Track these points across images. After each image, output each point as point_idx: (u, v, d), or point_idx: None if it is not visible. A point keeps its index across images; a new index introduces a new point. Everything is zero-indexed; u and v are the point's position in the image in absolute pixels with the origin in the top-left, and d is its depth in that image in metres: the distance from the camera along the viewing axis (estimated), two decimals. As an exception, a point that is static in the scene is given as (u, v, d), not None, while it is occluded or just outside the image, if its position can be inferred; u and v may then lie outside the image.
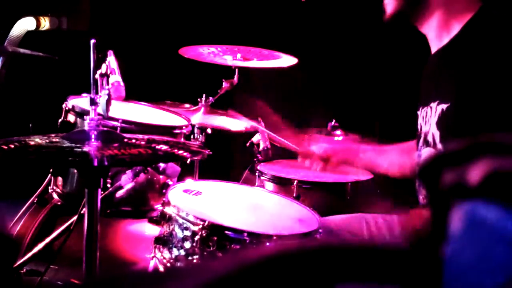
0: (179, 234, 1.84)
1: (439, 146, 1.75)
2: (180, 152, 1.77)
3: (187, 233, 1.82)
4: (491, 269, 0.59)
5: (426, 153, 1.82)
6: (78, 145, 1.61)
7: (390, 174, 2.19)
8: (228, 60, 2.85)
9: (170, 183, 2.24)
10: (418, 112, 1.89)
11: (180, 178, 2.29)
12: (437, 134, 1.75)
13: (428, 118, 1.80)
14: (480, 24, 1.69)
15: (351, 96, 3.78)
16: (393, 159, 2.17)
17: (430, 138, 1.79)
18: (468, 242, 0.61)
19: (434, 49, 1.84)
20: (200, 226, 1.78)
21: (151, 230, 2.22)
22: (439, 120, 1.73)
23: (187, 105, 2.89)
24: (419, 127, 1.88)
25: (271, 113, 2.57)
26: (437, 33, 1.78)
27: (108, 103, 1.74)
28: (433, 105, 1.76)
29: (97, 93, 1.75)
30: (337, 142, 2.85)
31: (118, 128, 2.12)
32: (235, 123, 2.76)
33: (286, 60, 2.91)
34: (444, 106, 1.71)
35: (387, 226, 2.08)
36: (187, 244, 1.82)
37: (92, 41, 1.68)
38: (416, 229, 1.77)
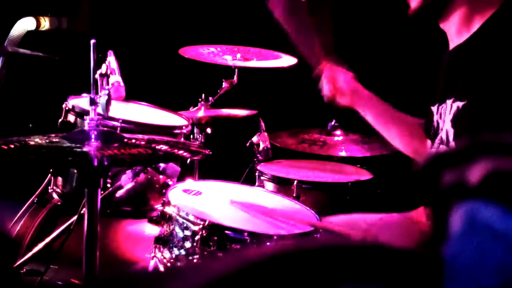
0: (180, 234, 1.84)
1: (452, 144, 1.73)
2: (180, 152, 1.77)
3: (187, 232, 1.82)
4: (491, 269, 0.59)
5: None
6: (78, 145, 1.61)
7: (393, 144, 2.10)
8: (228, 60, 2.85)
9: (170, 183, 2.24)
10: (433, 108, 1.86)
11: (180, 178, 2.29)
12: (451, 132, 1.73)
13: (444, 115, 1.77)
14: (500, 21, 1.67)
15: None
16: (403, 132, 2.09)
17: (444, 136, 1.77)
18: (468, 242, 0.61)
19: (452, 45, 1.81)
20: (201, 226, 1.78)
21: (151, 230, 2.22)
22: (454, 118, 1.71)
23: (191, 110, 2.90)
24: (435, 124, 1.85)
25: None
26: (458, 29, 1.76)
27: (108, 103, 1.74)
28: (449, 102, 1.74)
29: (97, 93, 1.75)
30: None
31: (118, 128, 2.12)
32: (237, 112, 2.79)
33: (286, 60, 2.91)
34: (460, 103, 1.68)
35: (388, 227, 2.07)
36: (188, 244, 1.82)
37: (92, 41, 1.68)
38: (421, 232, 1.76)
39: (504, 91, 1.56)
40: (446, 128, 1.75)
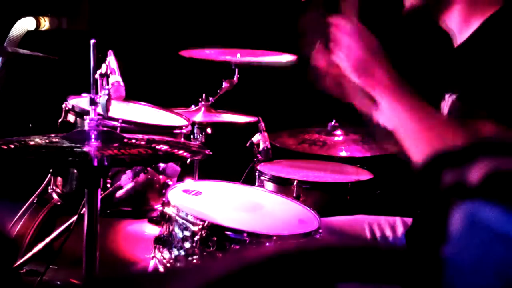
0: (179, 234, 1.84)
1: None
2: (180, 152, 1.77)
3: (187, 233, 1.82)
4: (491, 269, 0.59)
5: None
6: (78, 145, 1.61)
7: None
8: (228, 56, 2.85)
9: (170, 183, 2.24)
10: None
11: (180, 178, 2.29)
12: None
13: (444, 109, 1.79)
14: (498, 22, 1.67)
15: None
16: None
17: None
18: (468, 242, 0.61)
19: (455, 44, 1.82)
20: (200, 226, 1.78)
21: (151, 230, 2.22)
22: (448, 111, 1.73)
23: (192, 108, 2.90)
24: None
25: None
26: (459, 29, 1.76)
27: (108, 103, 1.74)
28: (446, 96, 1.76)
29: (97, 93, 1.75)
30: None
31: (118, 128, 2.12)
32: (237, 118, 2.78)
33: (286, 57, 2.91)
34: (453, 96, 1.70)
35: (390, 228, 2.07)
36: (187, 244, 1.82)
37: (92, 41, 1.68)
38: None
39: (492, 88, 1.55)
40: None
